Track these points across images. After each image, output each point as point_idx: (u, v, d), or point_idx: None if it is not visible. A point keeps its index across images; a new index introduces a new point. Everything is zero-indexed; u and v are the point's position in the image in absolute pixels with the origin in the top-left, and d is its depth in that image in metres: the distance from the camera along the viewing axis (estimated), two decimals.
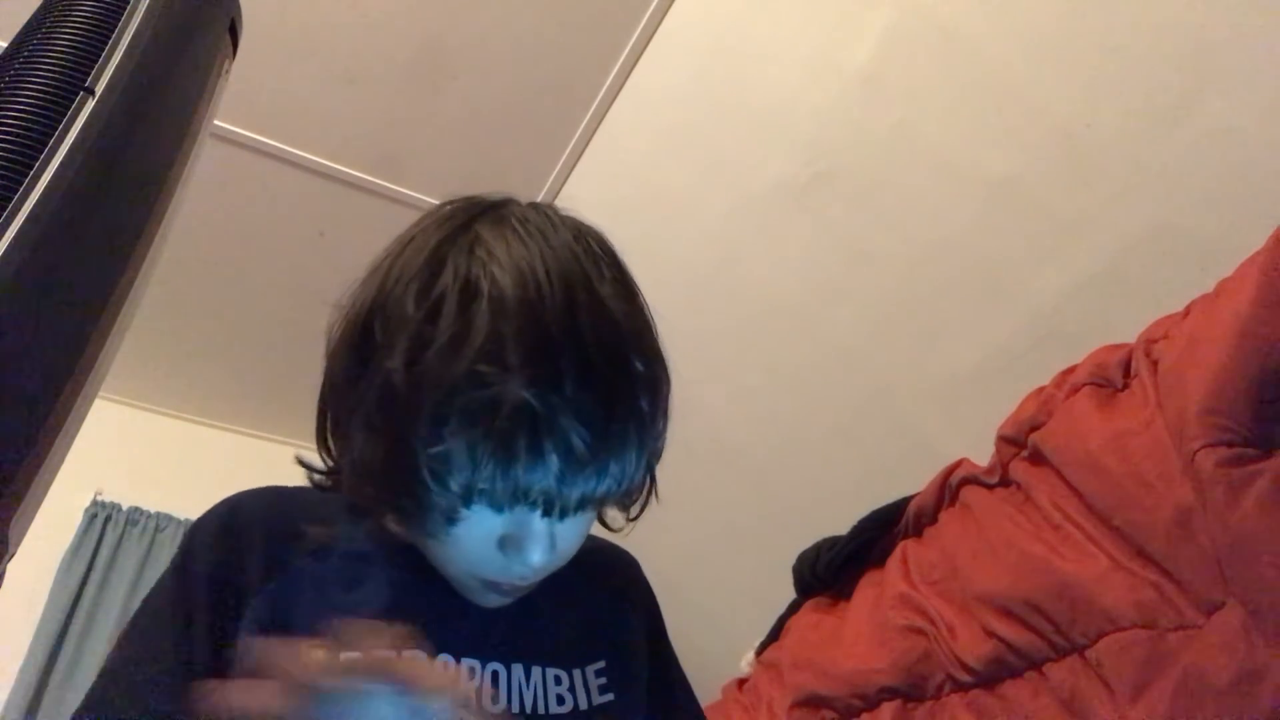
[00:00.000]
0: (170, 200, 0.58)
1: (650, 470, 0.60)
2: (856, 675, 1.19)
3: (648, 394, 0.54)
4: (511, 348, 0.49)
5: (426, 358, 0.50)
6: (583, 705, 0.63)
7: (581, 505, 0.54)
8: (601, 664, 0.66)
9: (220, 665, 0.56)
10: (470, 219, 0.57)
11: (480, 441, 0.49)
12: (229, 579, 0.59)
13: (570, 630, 0.67)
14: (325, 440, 0.61)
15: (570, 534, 0.58)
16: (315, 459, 0.63)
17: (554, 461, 0.50)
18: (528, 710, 0.60)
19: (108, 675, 0.57)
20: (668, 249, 1.96)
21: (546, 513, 0.54)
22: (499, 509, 0.54)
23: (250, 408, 3.37)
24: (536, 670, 0.62)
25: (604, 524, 0.66)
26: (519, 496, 0.52)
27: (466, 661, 0.60)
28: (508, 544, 0.55)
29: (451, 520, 0.54)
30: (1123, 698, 0.84)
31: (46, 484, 0.48)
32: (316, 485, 0.63)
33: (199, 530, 0.62)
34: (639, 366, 0.54)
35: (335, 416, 0.59)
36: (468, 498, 0.53)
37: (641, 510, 0.63)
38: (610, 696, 0.64)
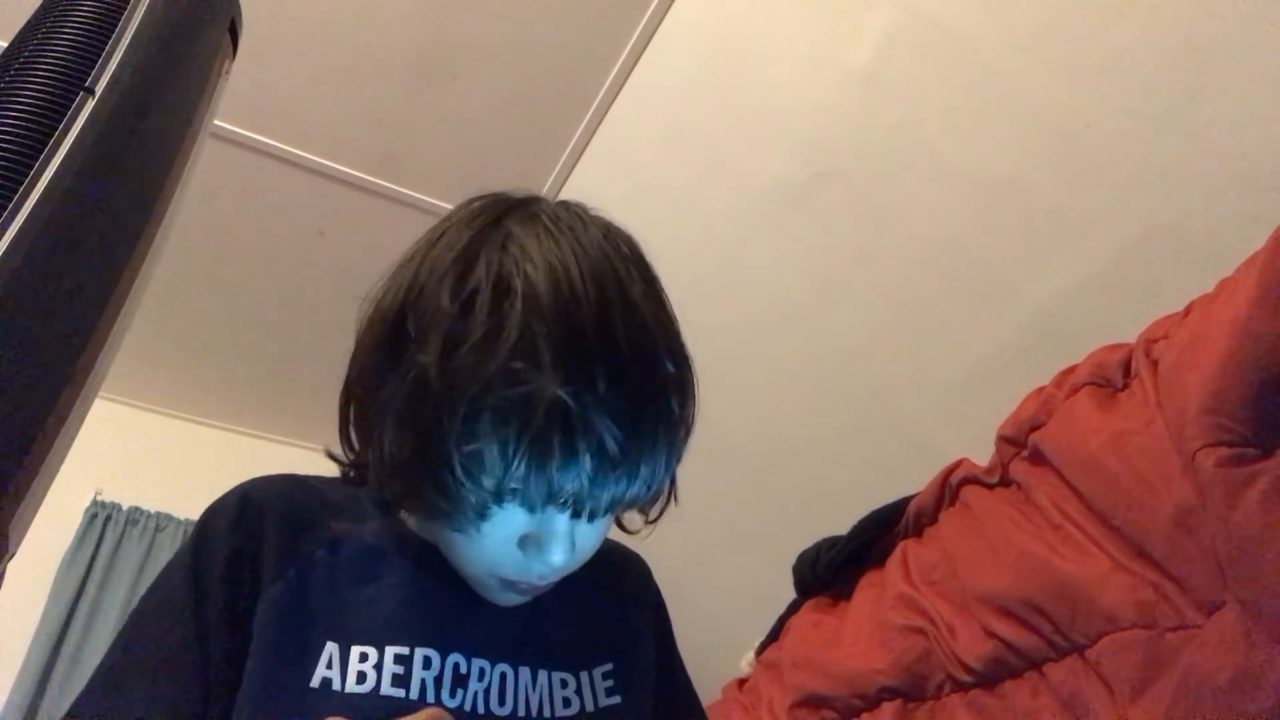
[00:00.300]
0: (170, 200, 0.58)
1: (672, 474, 0.60)
2: (857, 675, 1.19)
3: (677, 396, 0.54)
4: (545, 345, 0.49)
5: (460, 354, 0.50)
6: (589, 708, 0.63)
7: (610, 507, 0.54)
8: (609, 666, 0.66)
9: (232, 644, 0.56)
10: (500, 215, 0.57)
11: (514, 440, 0.50)
12: (246, 558, 0.59)
13: (578, 632, 0.67)
14: (349, 433, 0.61)
15: (591, 535, 0.58)
16: (341, 453, 0.63)
17: (587, 462, 0.50)
18: (534, 714, 0.60)
19: (121, 648, 0.57)
20: (668, 249, 1.95)
21: (576, 514, 0.54)
22: (530, 508, 0.54)
23: (250, 408, 3.37)
24: (543, 674, 0.62)
25: (621, 526, 0.66)
26: (551, 497, 0.52)
27: (476, 662, 0.60)
28: (529, 543, 0.55)
29: (482, 516, 0.54)
30: (1123, 698, 0.84)
31: (46, 484, 0.48)
32: (344, 478, 0.63)
33: (215, 513, 0.62)
34: (669, 368, 0.54)
35: (363, 410, 0.59)
36: (499, 496, 0.53)
37: (660, 515, 0.63)
38: (617, 699, 0.64)
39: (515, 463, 0.50)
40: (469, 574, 0.60)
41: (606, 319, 0.51)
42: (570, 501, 0.53)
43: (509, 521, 0.55)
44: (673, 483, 0.61)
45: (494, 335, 0.50)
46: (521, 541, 0.56)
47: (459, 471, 0.51)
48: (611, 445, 0.50)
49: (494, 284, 0.51)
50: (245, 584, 0.58)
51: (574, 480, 0.51)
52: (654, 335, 0.53)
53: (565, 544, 0.55)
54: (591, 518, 0.55)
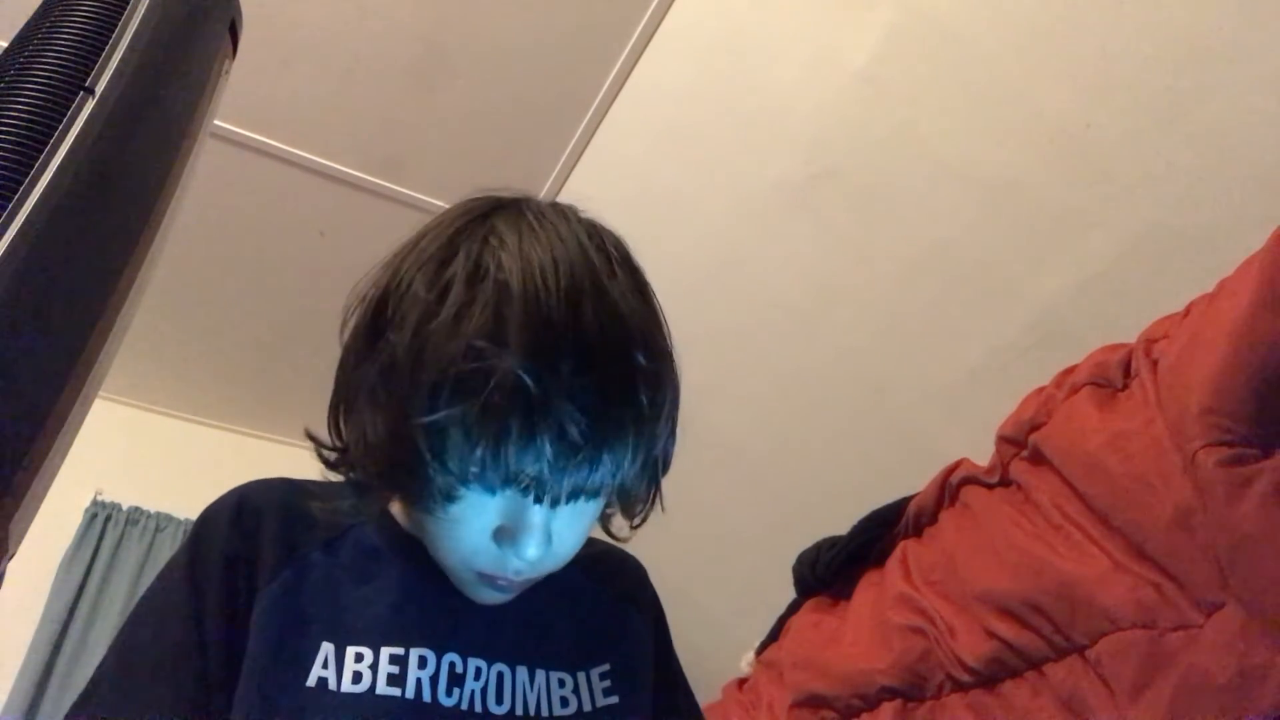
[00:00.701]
0: (170, 200, 0.58)
1: (653, 476, 0.60)
2: (857, 675, 1.19)
3: (648, 389, 0.54)
4: (512, 328, 0.50)
5: (429, 330, 0.51)
6: (586, 708, 0.63)
7: (574, 495, 0.54)
8: (606, 667, 0.66)
9: (230, 645, 0.56)
10: (488, 212, 0.58)
11: (473, 417, 0.50)
12: (242, 560, 0.59)
13: (576, 633, 0.67)
14: (338, 422, 0.61)
15: (568, 533, 0.58)
16: (324, 436, 0.63)
17: (546, 445, 0.50)
18: (531, 713, 0.61)
19: (119, 649, 0.57)
20: (668, 249, 1.96)
21: (538, 499, 0.54)
22: (491, 490, 0.54)
23: (250, 408, 3.37)
24: (541, 673, 0.63)
25: (610, 534, 0.66)
26: (510, 479, 0.52)
27: (473, 662, 0.60)
28: (503, 535, 0.55)
29: (449, 498, 0.54)
30: (1123, 698, 0.84)
31: (46, 484, 0.48)
32: (323, 460, 0.63)
33: (212, 515, 0.62)
34: (641, 361, 0.53)
35: (347, 395, 0.60)
36: (464, 477, 0.53)
37: (644, 519, 0.63)
38: (614, 699, 0.64)
39: (474, 441, 0.50)
40: (448, 566, 0.60)
41: (576, 308, 0.51)
42: (531, 486, 0.53)
43: (480, 508, 0.55)
44: (656, 486, 0.61)
45: (462, 315, 0.51)
46: (497, 534, 0.55)
47: (424, 449, 0.51)
48: (572, 430, 0.50)
49: (469, 271, 0.53)
50: (242, 585, 0.58)
51: (533, 463, 0.51)
52: (628, 327, 0.53)
53: (539, 537, 0.54)
54: (555, 504, 0.54)
